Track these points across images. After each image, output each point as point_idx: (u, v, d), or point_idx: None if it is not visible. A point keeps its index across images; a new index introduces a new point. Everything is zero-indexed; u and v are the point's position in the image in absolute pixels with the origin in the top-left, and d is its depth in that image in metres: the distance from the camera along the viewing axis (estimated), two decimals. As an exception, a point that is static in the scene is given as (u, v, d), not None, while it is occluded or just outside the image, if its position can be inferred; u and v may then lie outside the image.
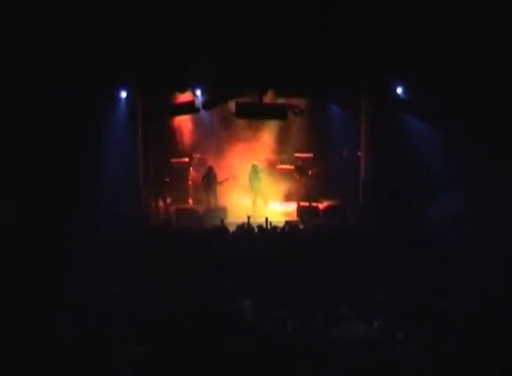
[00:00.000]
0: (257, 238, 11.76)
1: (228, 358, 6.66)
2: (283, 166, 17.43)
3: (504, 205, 11.73)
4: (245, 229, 12.22)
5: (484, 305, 8.01)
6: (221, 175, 16.31)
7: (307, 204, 15.97)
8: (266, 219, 12.82)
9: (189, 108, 15.19)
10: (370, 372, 6.55)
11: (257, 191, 16.27)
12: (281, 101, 15.74)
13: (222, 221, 12.95)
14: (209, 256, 10.66)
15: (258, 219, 13.39)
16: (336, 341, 7.13)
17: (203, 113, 15.62)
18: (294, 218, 15.10)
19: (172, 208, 15.67)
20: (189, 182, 17.00)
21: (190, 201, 16.88)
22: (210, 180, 15.99)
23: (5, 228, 11.22)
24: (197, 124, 16.72)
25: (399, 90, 13.78)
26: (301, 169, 16.56)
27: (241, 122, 16.82)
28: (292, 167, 17.15)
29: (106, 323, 7.54)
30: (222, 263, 10.19)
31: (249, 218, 12.89)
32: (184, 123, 16.91)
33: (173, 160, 16.85)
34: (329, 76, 13.18)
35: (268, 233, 12.14)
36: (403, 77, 13.48)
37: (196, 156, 17.14)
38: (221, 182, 16.10)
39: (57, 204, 12.34)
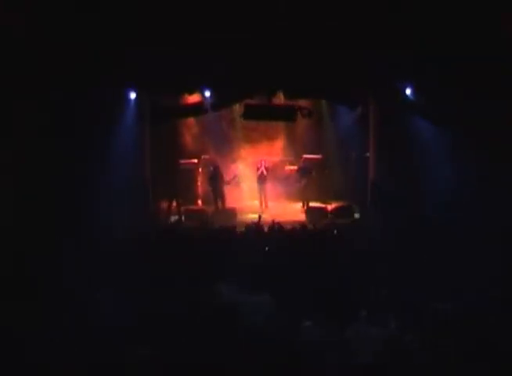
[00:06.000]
0: (267, 238, 11.78)
1: (237, 360, 6.68)
2: (291, 167, 17.47)
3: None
4: (254, 228, 12.27)
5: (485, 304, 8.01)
6: (228, 175, 16.40)
7: (315, 204, 16.03)
8: (273, 221, 12.87)
9: (197, 109, 15.27)
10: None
11: (264, 192, 16.38)
12: (288, 102, 15.76)
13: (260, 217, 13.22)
14: (218, 257, 10.68)
15: (266, 220, 13.47)
16: (349, 342, 7.17)
17: (211, 115, 15.65)
18: (302, 218, 15.14)
19: (181, 210, 15.71)
20: (198, 183, 17.06)
21: (199, 202, 16.95)
22: (216, 180, 16.03)
23: (11, 228, 11.27)
24: (206, 125, 16.78)
25: (408, 91, 13.77)
26: (304, 170, 16.59)
27: (249, 123, 16.87)
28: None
29: (110, 326, 7.54)
30: (231, 263, 10.21)
31: (260, 217, 12.98)
32: (192, 124, 16.99)
33: (181, 161, 16.87)
34: (337, 77, 13.18)
35: (276, 233, 12.16)
36: (412, 78, 13.48)
37: (205, 157, 17.18)
38: (227, 183, 16.15)
39: (64, 205, 12.37)
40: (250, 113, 15.07)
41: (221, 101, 14.88)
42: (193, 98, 15.25)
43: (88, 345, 6.90)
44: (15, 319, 7.46)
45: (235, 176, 16.38)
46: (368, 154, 15.21)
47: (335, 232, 12.45)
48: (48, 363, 6.45)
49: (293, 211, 16.31)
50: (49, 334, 7.08)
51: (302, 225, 12.85)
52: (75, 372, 6.42)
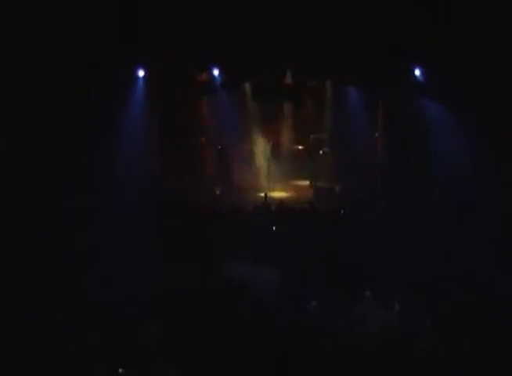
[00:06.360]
0: (275, 217, 11.89)
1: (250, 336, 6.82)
2: (300, 147, 17.50)
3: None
4: (262, 208, 12.36)
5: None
6: (237, 155, 16.44)
7: (323, 184, 16.10)
8: (281, 200, 12.97)
9: (206, 88, 15.28)
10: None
11: (272, 172, 16.46)
12: (297, 83, 15.71)
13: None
14: (225, 235, 10.79)
15: (273, 200, 13.59)
16: (355, 322, 7.31)
17: (220, 94, 15.65)
18: (310, 198, 15.21)
19: (190, 189, 15.78)
20: (207, 163, 17.11)
21: (208, 182, 17.01)
22: (224, 160, 16.09)
23: (22, 212, 11.38)
24: (214, 105, 16.75)
25: (417, 72, 13.72)
26: (312, 150, 16.64)
27: (258, 103, 16.85)
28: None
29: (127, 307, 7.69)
30: (238, 241, 10.33)
31: (266, 195, 13.04)
32: (201, 104, 16.98)
33: (191, 140, 16.89)
34: (347, 58, 13.14)
35: (284, 212, 12.27)
36: (421, 59, 13.42)
37: (213, 136, 17.19)
38: (234, 162, 16.26)
39: (72, 185, 12.42)
40: (259, 94, 15.10)
41: (231, 80, 14.88)
42: (202, 77, 15.25)
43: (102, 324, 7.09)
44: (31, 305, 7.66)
45: (241, 157, 16.47)
46: (377, 135, 15.22)
47: (342, 212, 12.55)
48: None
49: (300, 191, 16.38)
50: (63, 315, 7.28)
51: (310, 204, 12.94)
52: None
